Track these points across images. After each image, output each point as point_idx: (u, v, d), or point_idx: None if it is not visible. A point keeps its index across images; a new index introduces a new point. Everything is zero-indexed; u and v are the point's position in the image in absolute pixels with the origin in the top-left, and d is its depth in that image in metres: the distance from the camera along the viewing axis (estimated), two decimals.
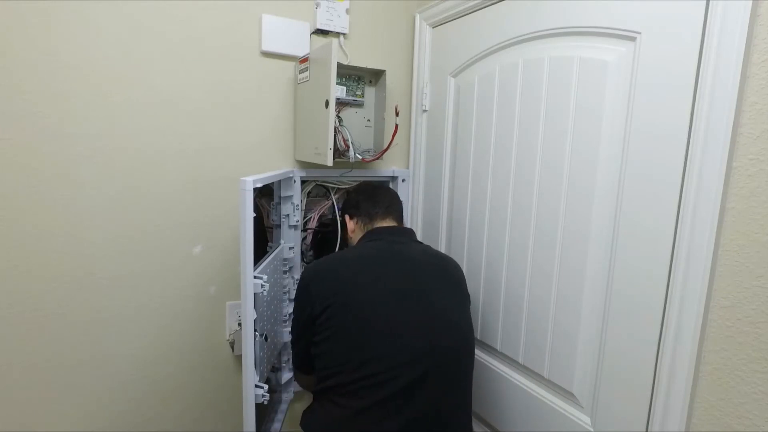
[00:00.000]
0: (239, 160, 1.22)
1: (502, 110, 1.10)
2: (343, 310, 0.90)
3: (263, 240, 1.33)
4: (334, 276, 0.95)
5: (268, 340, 1.09)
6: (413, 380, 0.85)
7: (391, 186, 1.45)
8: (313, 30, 1.26)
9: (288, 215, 1.26)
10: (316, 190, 1.39)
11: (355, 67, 1.28)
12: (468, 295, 1.04)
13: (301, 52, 1.23)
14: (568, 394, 0.97)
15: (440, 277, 1.00)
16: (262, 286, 0.94)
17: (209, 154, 1.18)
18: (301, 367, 1.03)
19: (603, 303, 0.88)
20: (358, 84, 1.33)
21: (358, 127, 1.34)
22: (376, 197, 1.13)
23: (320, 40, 1.27)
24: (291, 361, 1.20)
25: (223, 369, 1.28)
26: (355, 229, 1.13)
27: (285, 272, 1.27)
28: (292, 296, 1.30)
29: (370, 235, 1.06)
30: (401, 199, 1.21)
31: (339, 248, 1.33)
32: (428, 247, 1.09)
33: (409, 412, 0.85)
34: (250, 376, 0.92)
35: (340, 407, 0.87)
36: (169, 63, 1.11)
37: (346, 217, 1.16)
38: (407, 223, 1.44)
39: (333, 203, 1.40)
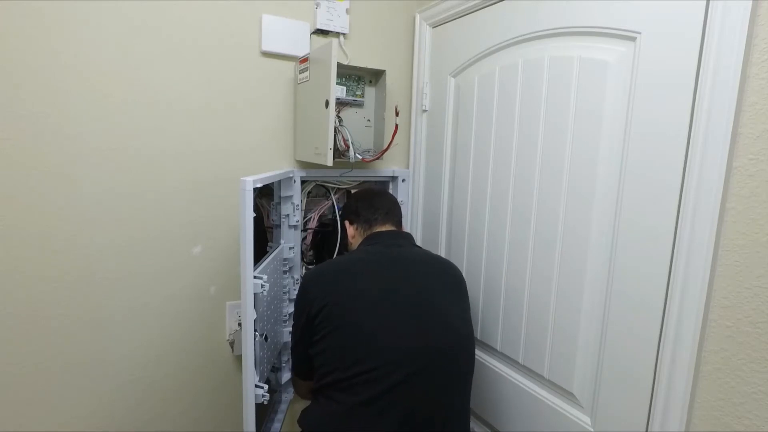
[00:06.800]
0: (239, 160, 1.22)
1: (502, 110, 1.10)
2: (340, 310, 0.91)
3: (263, 240, 1.33)
4: (332, 278, 0.96)
5: (268, 340, 1.09)
6: (406, 377, 0.86)
7: (391, 186, 1.46)
8: (313, 30, 1.26)
9: (288, 215, 1.26)
10: (316, 190, 1.39)
11: (355, 67, 1.28)
12: (467, 298, 1.04)
13: (301, 52, 1.23)
14: (568, 394, 0.97)
15: (438, 279, 1.01)
16: (262, 286, 0.94)
17: (209, 154, 1.18)
18: (299, 372, 1.04)
19: (603, 303, 0.88)
20: (358, 84, 1.32)
21: (358, 127, 1.34)
22: (376, 203, 1.14)
23: (320, 40, 1.27)
24: (290, 364, 1.20)
25: (223, 369, 1.28)
26: (355, 234, 1.14)
27: (285, 272, 1.27)
28: (292, 296, 1.30)
29: (369, 240, 1.08)
30: (401, 199, 1.21)
31: (339, 252, 1.33)
32: (427, 251, 1.10)
33: (402, 409, 0.86)
34: (250, 376, 0.92)
35: (337, 402, 0.88)
36: (168, 63, 1.10)
37: (346, 223, 1.17)
38: (407, 223, 1.44)
39: (333, 203, 1.40)
